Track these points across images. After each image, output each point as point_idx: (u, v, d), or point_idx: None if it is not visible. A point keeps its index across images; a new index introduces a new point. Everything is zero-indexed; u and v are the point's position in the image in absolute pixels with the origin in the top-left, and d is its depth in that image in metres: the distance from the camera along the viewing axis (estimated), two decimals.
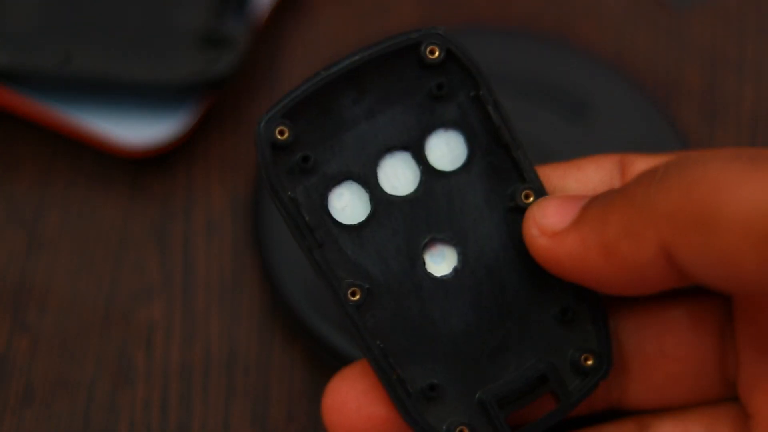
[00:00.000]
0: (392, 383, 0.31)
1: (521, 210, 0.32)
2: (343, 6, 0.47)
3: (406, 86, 0.32)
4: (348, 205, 0.32)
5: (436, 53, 0.32)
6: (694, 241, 0.27)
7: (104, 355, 0.41)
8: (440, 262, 0.32)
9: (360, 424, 0.32)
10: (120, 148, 0.43)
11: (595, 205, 0.30)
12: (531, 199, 0.32)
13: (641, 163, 0.32)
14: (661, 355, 0.32)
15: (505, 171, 0.32)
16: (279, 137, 0.31)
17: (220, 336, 0.41)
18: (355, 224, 0.32)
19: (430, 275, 0.32)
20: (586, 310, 0.32)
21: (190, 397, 0.40)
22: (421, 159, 0.32)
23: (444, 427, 0.31)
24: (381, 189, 0.32)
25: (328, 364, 0.40)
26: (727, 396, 0.32)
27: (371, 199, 0.32)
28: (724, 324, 0.32)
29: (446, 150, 0.32)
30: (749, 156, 0.27)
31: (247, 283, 0.42)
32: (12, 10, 0.43)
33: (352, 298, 0.31)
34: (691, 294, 0.32)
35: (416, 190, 0.32)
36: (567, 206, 0.30)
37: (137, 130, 0.43)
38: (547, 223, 0.30)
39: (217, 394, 0.40)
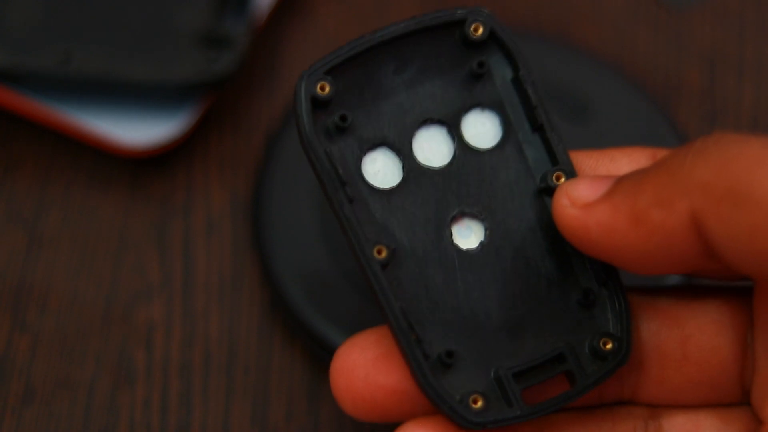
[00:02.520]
0: (410, 344, 0.31)
1: (551, 191, 0.32)
2: (343, 6, 0.47)
3: (448, 62, 0.32)
4: (381, 170, 0.32)
5: (480, 31, 0.32)
6: (725, 214, 0.27)
7: (104, 355, 0.41)
8: (468, 235, 0.32)
9: (366, 392, 0.32)
10: (120, 148, 0.43)
11: (628, 177, 0.30)
12: (562, 180, 0.32)
13: None
14: (681, 358, 0.32)
15: (538, 153, 0.32)
16: (320, 92, 0.31)
17: (220, 336, 0.41)
18: (386, 189, 0.32)
19: (456, 247, 0.32)
20: (607, 294, 0.32)
21: (190, 397, 0.40)
22: (456, 134, 0.32)
23: (458, 397, 0.31)
24: (414, 159, 0.32)
25: (328, 364, 0.40)
26: (742, 402, 0.32)
27: (404, 168, 0.32)
28: (746, 333, 0.32)
29: (482, 129, 0.32)
30: None
31: (247, 283, 0.42)
32: (12, 10, 0.43)
33: (378, 256, 0.31)
34: (716, 300, 0.32)
35: (449, 164, 0.32)
36: (600, 181, 0.30)
37: (137, 130, 0.43)
38: (579, 195, 0.30)
39: (217, 394, 0.40)
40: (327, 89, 0.31)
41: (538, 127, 0.32)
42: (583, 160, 0.33)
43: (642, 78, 0.46)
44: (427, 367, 0.31)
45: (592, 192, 0.30)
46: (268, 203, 0.42)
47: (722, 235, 0.28)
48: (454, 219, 0.32)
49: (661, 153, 0.32)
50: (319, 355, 0.40)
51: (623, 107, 0.44)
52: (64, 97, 0.43)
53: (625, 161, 0.32)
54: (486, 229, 0.32)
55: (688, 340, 0.32)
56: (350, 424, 0.40)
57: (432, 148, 0.32)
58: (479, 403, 0.31)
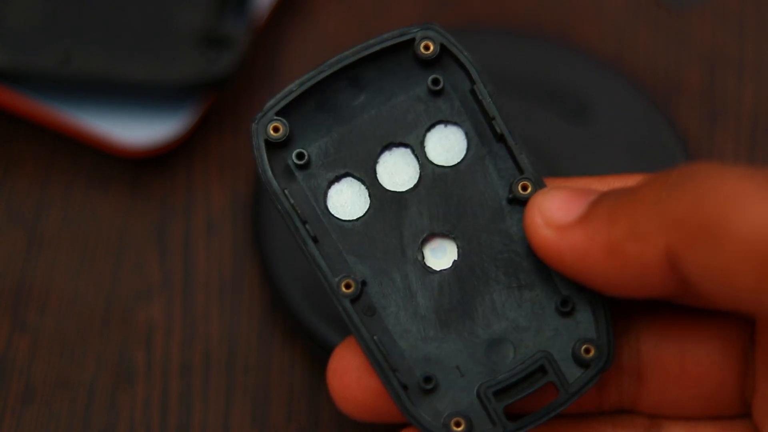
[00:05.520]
0: (388, 376, 0.31)
1: (519, 201, 0.32)
2: (343, 6, 0.47)
3: (404, 82, 0.32)
4: (348, 201, 0.32)
5: (431, 48, 0.32)
6: (699, 250, 0.27)
7: (104, 355, 0.41)
8: (441, 256, 0.32)
9: (359, 394, 0.32)
10: (120, 148, 0.43)
11: (604, 202, 0.30)
12: (529, 189, 0.32)
13: None
14: (680, 372, 0.32)
15: (505, 163, 0.32)
16: (273, 134, 0.32)
17: (220, 336, 0.41)
18: (353, 219, 0.32)
19: (429, 269, 0.32)
20: (586, 300, 0.32)
21: (190, 397, 0.40)
22: (420, 154, 0.32)
23: (442, 420, 0.31)
24: (380, 184, 0.32)
25: (327, 364, 0.40)
26: (742, 414, 0.32)
27: (370, 195, 0.32)
28: (747, 348, 0.32)
29: (446, 145, 0.32)
30: (765, 174, 0.27)
31: (247, 283, 0.42)
32: (12, 10, 0.43)
33: (345, 290, 0.31)
34: (715, 315, 0.32)
35: (416, 185, 0.32)
36: (575, 200, 0.30)
37: (137, 130, 0.43)
38: (554, 216, 0.30)
39: (217, 394, 0.40)
40: (280, 130, 0.32)
41: (500, 138, 0.32)
42: (593, 185, 0.32)
43: (642, 78, 0.46)
44: (405, 396, 0.31)
45: (566, 212, 0.30)
46: (268, 203, 0.42)
47: (697, 271, 0.27)
48: (425, 241, 0.32)
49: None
50: (319, 355, 0.40)
51: (623, 107, 0.44)
52: (64, 97, 0.43)
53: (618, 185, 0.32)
54: (458, 247, 0.32)
55: (687, 355, 0.32)
56: (350, 425, 0.40)
57: (397, 171, 0.32)
58: (461, 426, 0.31)
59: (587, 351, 0.31)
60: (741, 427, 0.32)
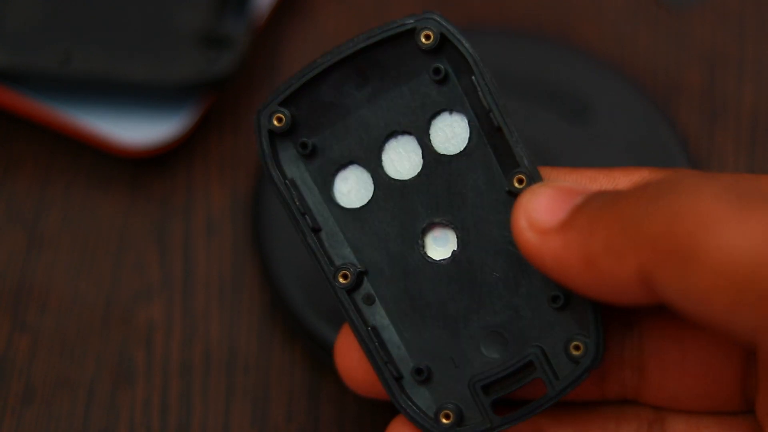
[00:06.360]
0: (380, 367, 0.32)
1: (515, 195, 0.32)
2: (343, 6, 0.47)
3: (408, 71, 0.32)
4: (353, 189, 0.32)
5: (431, 38, 0.32)
6: (672, 271, 0.27)
7: (104, 355, 0.41)
8: (440, 245, 0.32)
9: (360, 374, 0.33)
10: (120, 148, 0.43)
11: (585, 210, 0.29)
12: (524, 184, 0.31)
13: None
14: (681, 369, 0.32)
15: (505, 155, 0.32)
16: (276, 124, 0.32)
17: (220, 336, 0.41)
18: (357, 207, 0.32)
19: (428, 258, 0.32)
20: (579, 297, 0.32)
21: (190, 397, 0.40)
22: (424, 142, 0.32)
23: (433, 409, 0.32)
24: (384, 173, 0.32)
25: (328, 364, 0.40)
26: (744, 410, 0.32)
27: (374, 183, 0.32)
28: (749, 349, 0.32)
29: (450, 134, 0.32)
30: (740, 192, 0.27)
31: (247, 283, 0.42)
32: (12, 10, 0.43)
33: (342, 281, 0.32)
34: None
35: (419, 174, 0.32)
36: (559, 201, 0.30)
37: (137, 130, 0.43)
38: (537, 218, 0.30)
39: (217, 394, 0.40)
40: (284, 120, 0.32)
41: (498, 130, 0.32)
42: (584, 181, 0.32)
43: (642, 78, 0.46)
44: (396, 388, 0.32)
45: (550, 216, 0.30)
46: (268, 203, 0.42)
47: (670, 292, 0.27)
48: (426, 230, 0.32)
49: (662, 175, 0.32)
50: (319, 355, 0.40)
51: (623, 107, 0.44)
52: (64, 97, 0.43)
53: (624, 181, 0.32)
54: (458, 238, 0.32)
55: (687, 353, 0.32)
56: (350, 424, 0.40)
57: (401, 160, 0.32)
58: (450, 419, 0.31)
59: (577, 348, 0.31)
60: (743, 423, 0.32)
